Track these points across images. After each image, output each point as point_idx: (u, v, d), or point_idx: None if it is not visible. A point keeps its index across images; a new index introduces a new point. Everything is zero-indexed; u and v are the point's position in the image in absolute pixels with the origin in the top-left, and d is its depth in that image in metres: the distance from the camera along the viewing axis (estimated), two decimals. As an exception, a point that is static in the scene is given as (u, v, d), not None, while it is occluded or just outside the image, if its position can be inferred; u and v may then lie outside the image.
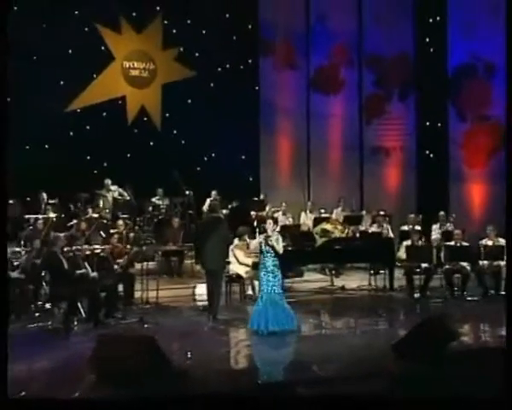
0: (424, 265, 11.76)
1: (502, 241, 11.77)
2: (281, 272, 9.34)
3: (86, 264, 10.10)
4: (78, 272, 9.84)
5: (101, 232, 12.44)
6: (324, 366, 7.80)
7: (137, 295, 11.09)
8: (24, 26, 14.71)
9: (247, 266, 11.26)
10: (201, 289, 11.34)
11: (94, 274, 10.16)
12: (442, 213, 13.75)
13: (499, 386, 6.48)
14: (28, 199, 14.50)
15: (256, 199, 15.68)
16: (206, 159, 16.70)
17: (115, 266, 10.67)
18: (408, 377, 7.28)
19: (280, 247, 9.21)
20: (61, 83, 15.74)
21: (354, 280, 12.78)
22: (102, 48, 16.31)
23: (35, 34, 14.99)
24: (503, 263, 11.61)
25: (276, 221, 11.70)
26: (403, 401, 6.17)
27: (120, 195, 15.01)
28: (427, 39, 15.81)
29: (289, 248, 11.59)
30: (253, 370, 8.36)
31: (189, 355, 8.29)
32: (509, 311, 6.55)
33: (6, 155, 6.29)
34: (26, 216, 13.57)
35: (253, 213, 14.94)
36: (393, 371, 7.46)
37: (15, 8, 14.93)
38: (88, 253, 10.31)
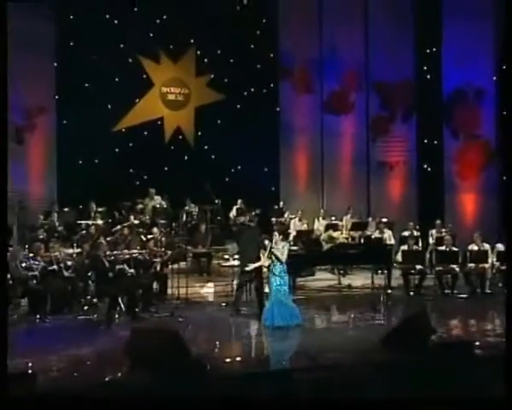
0: (418, 267, 12.01)
1: (486, 246, 12.10)
2: (288, 274, 9.65)
3: (125, 266, 10.39)
4: (118, 267, 10.17)
5: (142, 236, 12.62)
6: (332, 355, 8.11)
7: (170, 291, 11.36)
8: (78, 58, 15.23)
9: (265, 267, 10.98)
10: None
11: (132, 271, 10.45)
12: (438, 221, 13.85)
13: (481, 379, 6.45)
14: (81, 207, 14.63)
15: (276, 207, 15.76)
16: (233, 171, 16.78)
17: (151, 268, 10.93)
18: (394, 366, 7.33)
19: (284, 256, 9.53)
20: (109, 106, 15.91)
21: (359, 279, 12.91)
22: (144, 76, 16.43)
23: (87, 65, 15.30)
24: (487, 265, 11.92)
25: (284, 232, 12.06)
26: (403, 401, 5.93)
27: (159, 203, 15.15)
28: (425, 68, 15.71)
29: (302, 252, 12.02)
30: (261, 358, 8.69)
31: (218, 344, 8.74)
32: (508, 311, 6.43)
33: (7, 162, 6.24)
34: (78, 222, 13.85)
35: (273, 219, 15.06)
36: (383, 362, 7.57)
37: (72, 43, 15.45)
38: (127, 256, 10.60)
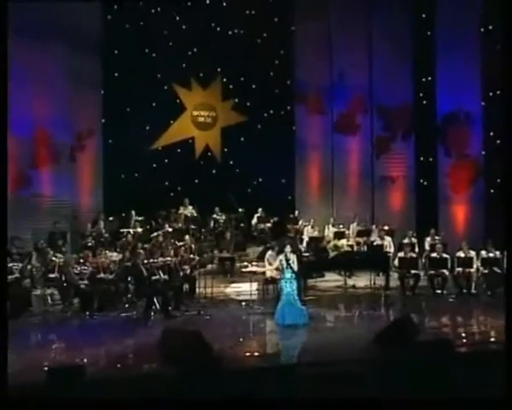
0: (413, 271, 12.20)
1: (472, 253, 12.26)
2: (297, 279, 10.01)
3: (161, 271, 10.78)
4: (154, 278, 10.59)
5: (175, 243, 12.91)
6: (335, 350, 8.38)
7: (198, 290, 11.70)
8: (121, 86, 15.61)
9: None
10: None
11: (165, 276, 10.86)
12: (432, 230, 13.90)
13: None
14: (123, 215, 14.79)
15: (291, 216, 15.78)
16: (254, 183, 16.82)
17: (182, 271, 11.30)
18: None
19: (295, 266, 9.97)
20: (147, 128, 16.12)
21: (362, 280, 12.94)
22: (177, 101, 16.62)
23: (129, 92, 15.64)
24: (472, 270, 12.10)
25: (300, 237, 12.34)
26: (402, 400, 5.71)
27: (190, 212, 15.34)
28: (422, 94, 15.74)
29: (312, 259, 12.32)
30: (276, 352, 8.95)
31: (236, 339, 9.04)
32: (508, 311, 6.17)
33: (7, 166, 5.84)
34: (121, 230, 14.15)
35: (289, 226, 15.23)
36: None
37: (116, 74, 15.73)
38: (161, 264, 10.96)
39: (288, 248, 10.15)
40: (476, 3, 14.80)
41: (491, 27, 14.73)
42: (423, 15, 15.37)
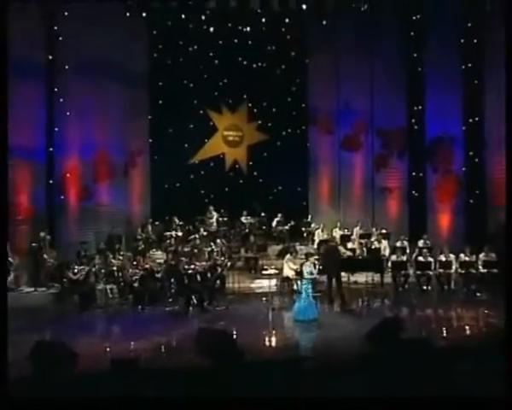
0: (403, 271, 12.80)
1: (452, 256, 12.75)
2: (312, 281, 10.58)
3: (197, 273, 11.42)
4: (191, 278, 11.29)
5: (209, 246, 13.51)
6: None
7: (227, 286, 12.30)
8: (165, 112, 16.25)
9: (295, 271, 11.90)
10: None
11: (201, 275, 11.42)
12: (424, 235, 14.13)
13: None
14: (167, 218, 15.36)
15: (305, 220, 16.27)
16: (275, 191, 17.16)
17: (214, 272, 11.87)
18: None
19: (315, 272, 10.65)
20: (186, 145, 16.80)
21: (362, 277, 13.05)
22: (210, 123, 17.26)
23: (171, 117, 16.29)
24: (452, 271, 12.64)
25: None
26: (403, 400, 5.33)
27: (221, 216, 15.94)
28: (414, 120, 15.88)
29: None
30: (292, 343, 9.24)
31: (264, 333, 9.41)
32: (508, 310, 5.96)
33: (7, 167, 5.66)
34: (165, 233, 14.86)
35: (303, 229, 15.94)
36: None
37: (160, 102, 16.44)
38: (198, 268, 11.61)
39: (310, 260, 10.68)
40: (458, 46, 15.19)
41: (470, 65, 15.14)
42: (415, 55, 15.71)
